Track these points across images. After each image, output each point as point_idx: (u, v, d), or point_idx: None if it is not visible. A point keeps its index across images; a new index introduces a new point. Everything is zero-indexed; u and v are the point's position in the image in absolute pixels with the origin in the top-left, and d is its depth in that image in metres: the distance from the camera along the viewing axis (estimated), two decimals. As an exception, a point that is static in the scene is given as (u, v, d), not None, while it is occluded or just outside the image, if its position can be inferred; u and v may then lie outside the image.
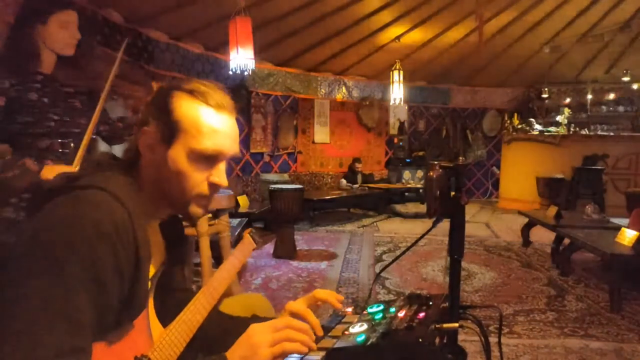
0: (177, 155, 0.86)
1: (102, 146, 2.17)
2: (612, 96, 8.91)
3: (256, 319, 0.99)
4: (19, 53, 1.82)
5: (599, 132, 8.13)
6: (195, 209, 0.91)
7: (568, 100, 8.95)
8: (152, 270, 0.89)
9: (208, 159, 0.88)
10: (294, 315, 1.02)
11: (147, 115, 0.88)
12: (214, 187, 0.90)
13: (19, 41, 1.82)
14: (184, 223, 1.04)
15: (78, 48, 1.93)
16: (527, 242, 5.02)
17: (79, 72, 1.95)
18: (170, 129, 0.86)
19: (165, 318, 0.93)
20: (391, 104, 7.79)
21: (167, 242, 0.98)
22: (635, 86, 8.63)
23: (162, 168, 0.87)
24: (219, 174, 0.90)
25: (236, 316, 1.09)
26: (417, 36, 7.27)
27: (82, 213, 0.73)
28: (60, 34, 1.87)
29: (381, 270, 3.58)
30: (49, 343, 0.65)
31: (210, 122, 0.87)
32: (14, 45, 1.83)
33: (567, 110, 8.04)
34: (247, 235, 1.08)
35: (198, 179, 0.88)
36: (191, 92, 0.88)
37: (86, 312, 0.69)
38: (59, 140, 1.85)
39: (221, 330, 1.02)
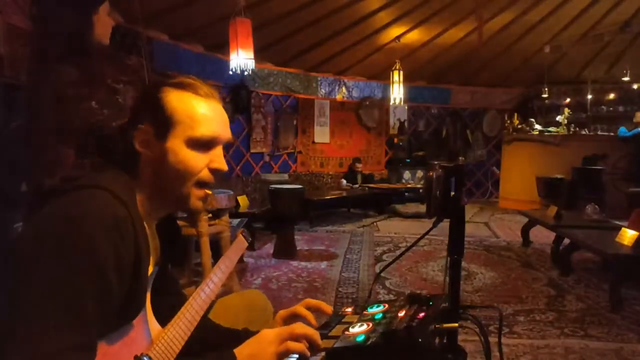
0: (175, 146, 0.87)
1: None
2: (612, 96, 8.91)
3: (248, 332, 1.00)
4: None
5: (599, 132, 8.13)
6: (195, 202, 0.91)
7: (568, 100, 8.95)
8: (149, 270, 0.90)
9: (205, 145, 0.89)
10: (288, 320, 1.06)
11: (139, 113, 0.89)
12: (215, 172, 0.92)
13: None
14: (184, 223, 1.05)
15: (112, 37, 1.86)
16: (527, 242, 5.02)
17: (120, 65, 1.87)
18: (165, 123, 0.87)
19: (161, 318, 0.93)
20: (391, 104, 7.79)
21: (163, 242, 0.99)
22: (635, 86, 8.62)
23: (162, 161, 0.87)
24: (218, 159, 0.91)
25: (226, 327, 1.11)
26: (417, 36, 7.27)
27: (84, 212, 0.74)
28: (108, 22, 1.79)
29: (381, 270, 3.59)
30: (55, 339, 0.65)
31: (202, 109, 0.89)
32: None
33: (567, 110, 8.04)
34: (239, 235, 1.11)
35: (199, 165, 0.89)
36: (179, 85, 0.90)
37: (90, 310, 0.70)
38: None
39: (210, 339, 1.03)
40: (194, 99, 0.89)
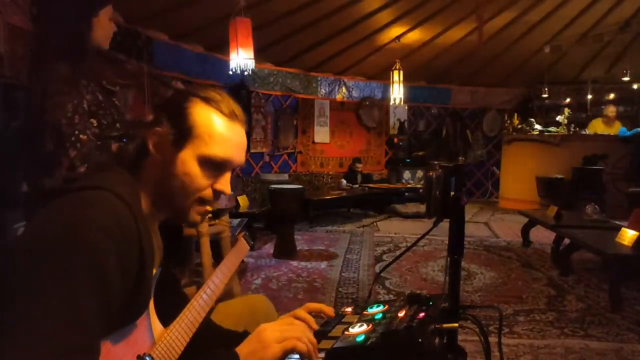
0: (187, 158, 0.87)
1: None
2: (612, 96, 8.90)
3: (249, 334, 1.00)
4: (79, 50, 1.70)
5: (599, 132, 8.12)
6: (194, 216, 0.92)
7: (568, 100, 8.94)
8: (153, 271, 0.90)
9: (216, 167, 0.90)
10: None
11: (161, 116, 0.89)
12: (217, 194, 0.92)
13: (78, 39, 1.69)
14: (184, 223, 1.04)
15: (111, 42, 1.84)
16: (527, 242, 5.02)
17: (120, 69, 1.84)
18: (183, 133, 0.87)
19: (164, 318, 0.93)
20: (391, 104, 7.79)
21: (166, 243, 0.99)
22: (635, 86, 8.62)
23: (170, 169, 0.87)
24: (224, 182, 0.92)
25: (228, 329, 1.11)
26: (417, 36, 7.27)
27: (86, 213, 0.73)
28: (109, 26, 1.77)
29: (381, 270, 3.60)
30: (56, 341, 0.65)
31: (223, 130, 0.89)
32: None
33: (567, 110, 8.04)
34: (241, 238, 1.11)
35: (203, 184, 0.89)
36: (206, 100, 0.90)
37: (93, 311, 0.70)
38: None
39: (212, 341, 1.03)
40: (218, 116, 0.89)
